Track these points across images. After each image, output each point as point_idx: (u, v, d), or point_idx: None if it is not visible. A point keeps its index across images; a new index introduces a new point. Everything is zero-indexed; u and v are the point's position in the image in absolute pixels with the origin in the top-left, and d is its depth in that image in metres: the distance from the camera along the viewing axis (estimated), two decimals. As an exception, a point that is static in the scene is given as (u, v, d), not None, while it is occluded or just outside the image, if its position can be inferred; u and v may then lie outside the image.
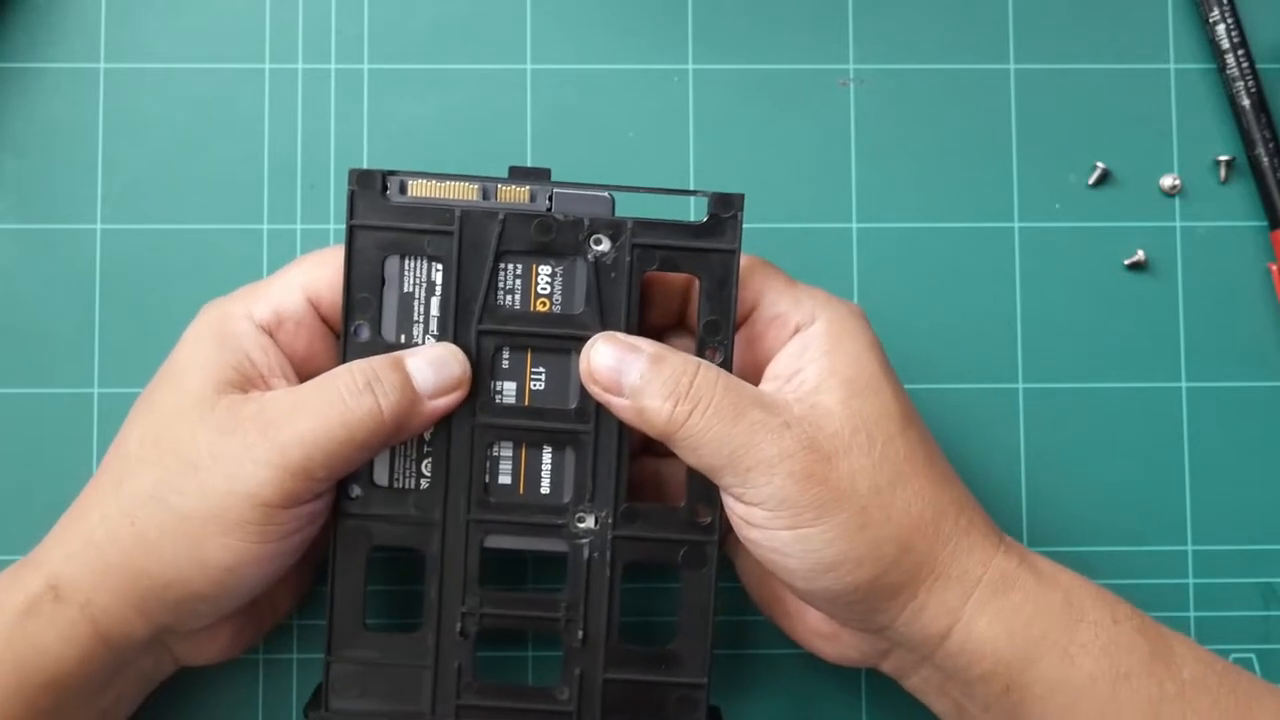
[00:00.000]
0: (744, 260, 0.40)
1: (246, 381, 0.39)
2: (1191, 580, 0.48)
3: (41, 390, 0.47)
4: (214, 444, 0.38)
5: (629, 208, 0.40)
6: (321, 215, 0.48)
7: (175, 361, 0.40)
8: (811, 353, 0.39)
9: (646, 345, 0.39)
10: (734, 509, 0.38)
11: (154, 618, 0.39)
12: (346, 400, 0.38)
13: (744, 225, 0.40)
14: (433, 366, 0.39)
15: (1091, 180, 0.49)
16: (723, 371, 0.38)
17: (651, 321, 0.41)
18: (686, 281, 0.42)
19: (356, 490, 0.40)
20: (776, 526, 0.37)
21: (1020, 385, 0.48)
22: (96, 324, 0.47)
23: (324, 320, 0.41)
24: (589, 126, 0.48)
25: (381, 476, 0.41)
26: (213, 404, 0.38)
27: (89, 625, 0.38)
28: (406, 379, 0.39)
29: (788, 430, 0.37)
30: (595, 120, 0.48)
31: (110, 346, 0.47)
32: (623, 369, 0.38)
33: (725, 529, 0.40)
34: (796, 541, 0.37)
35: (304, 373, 0.40)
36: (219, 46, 0.48)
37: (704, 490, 0.40)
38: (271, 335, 0.40)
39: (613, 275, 0.40)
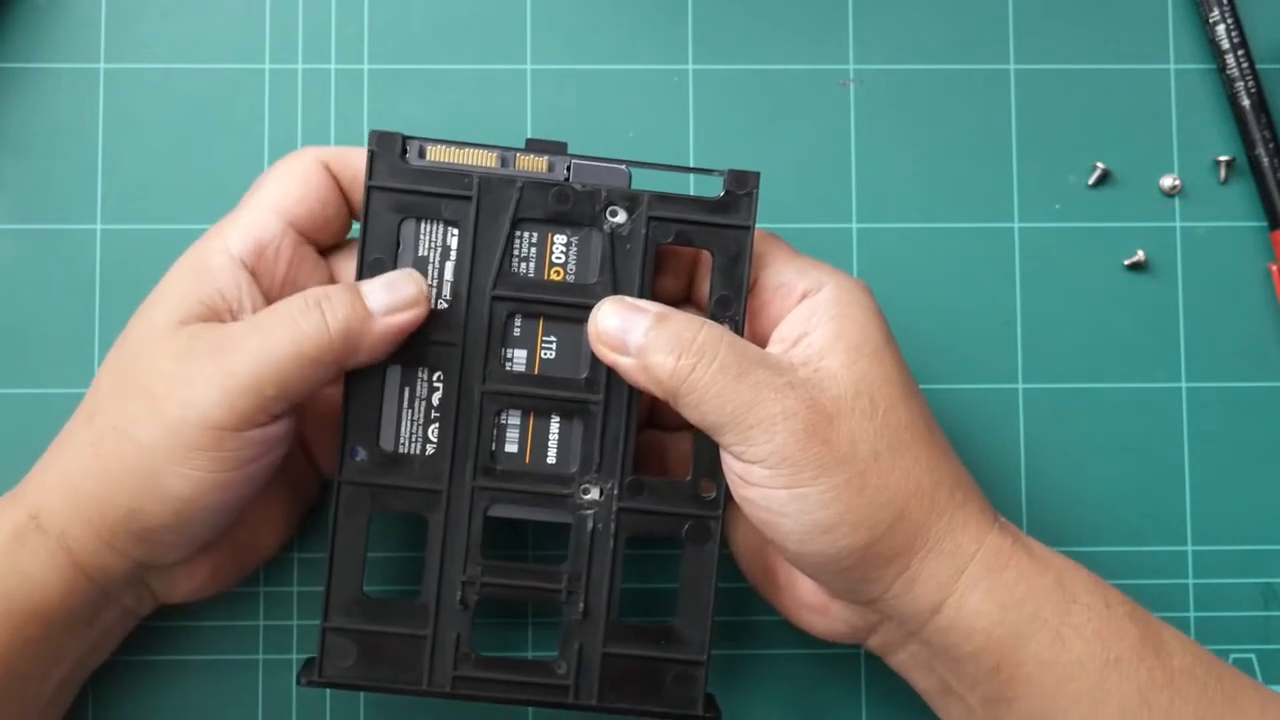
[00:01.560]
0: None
1: (213, 314, 0.39)
2: (1191, 580, 0.48)
3: (41, 390, 0.47)
4: (171, 372, 0.38)
5: (641, 185, 0.41)
6: (321, 215, 0.48)
7: (149, 299, 0.40)
8: (819, 316, 0.39)
9: (652, 306, 0.39)
10: (732, 467, 0.38)
11: (124, 550, 0.39)
12: (295, 318, 0.38)
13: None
14: (386, 288, 0.39)
15: (1091, 180, 0.49)
16: (728, 330, 0.39)
17: (660, 295, 0.41)
18: (694, 255, 0.42)
19: (361, 454, 0.40)
20: (774, 485, 0.37)
21: (1020, 385, 0.48)
22: (96, 324, 0.47)
23: (301, 235, 0.41)
24: (589, 127, 0.48)
25: (387, 440, 0.40)
26: (175, 334, 0.38)
27: (67, 556, 0.39)
28: (357, 297, 0.38)
29: (791, 390, 0.37)
30: (595, 120, 0.48)
31: (110, 347, 0.47)
32: (628, 328, 0.39)
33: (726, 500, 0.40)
34: (793, 500, 0.37)
35: (287, 295, 0.40)
36: (219, 47, 0.48)
37: (709, 465, 0.40)
38: (252, 270, 0.40)
39: (628, 247, 0.40)
